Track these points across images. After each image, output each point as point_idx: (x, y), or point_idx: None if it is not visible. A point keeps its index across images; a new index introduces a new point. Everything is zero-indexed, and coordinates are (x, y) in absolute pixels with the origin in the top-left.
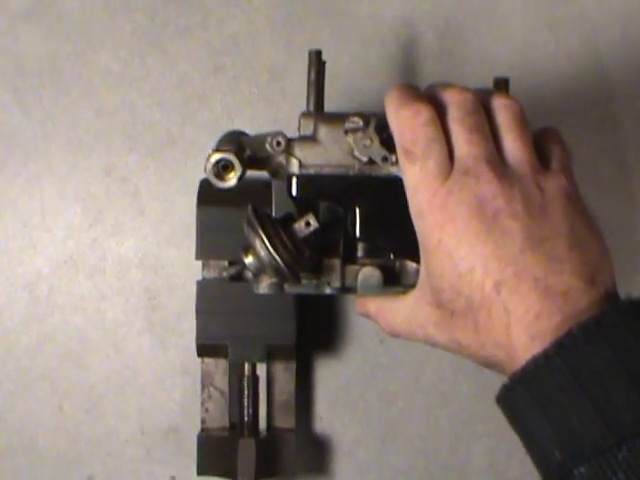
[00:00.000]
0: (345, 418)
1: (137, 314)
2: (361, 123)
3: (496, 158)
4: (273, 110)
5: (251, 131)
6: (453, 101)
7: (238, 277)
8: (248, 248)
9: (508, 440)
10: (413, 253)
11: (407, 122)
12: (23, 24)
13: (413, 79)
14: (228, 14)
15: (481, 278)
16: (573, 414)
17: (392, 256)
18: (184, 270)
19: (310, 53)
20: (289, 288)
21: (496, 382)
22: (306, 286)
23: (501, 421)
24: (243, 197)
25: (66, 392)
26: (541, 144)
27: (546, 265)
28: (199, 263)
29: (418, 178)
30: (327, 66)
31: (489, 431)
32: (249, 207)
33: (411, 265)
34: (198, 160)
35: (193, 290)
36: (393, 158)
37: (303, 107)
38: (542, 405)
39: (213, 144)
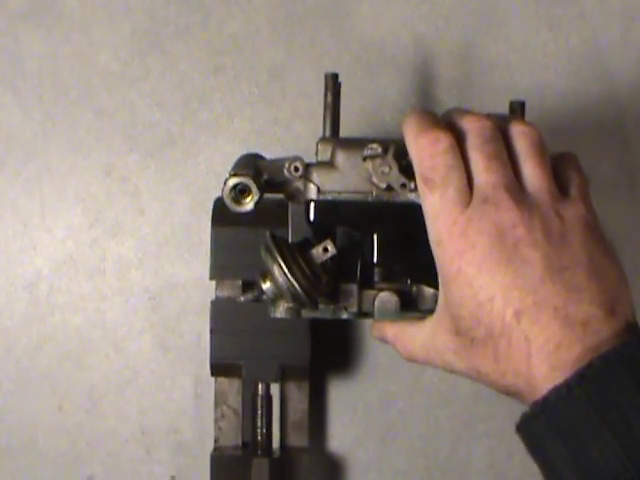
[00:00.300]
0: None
1: (137, 314)
2: (380, 150)
3: (515, 186)
4: (273, 110)
5: (251, 132)
6: (472, 128)
7: (255, 301)
8: (266, 274)
9: (508, 440)
10: (430, 278)
11: (426, 149)
12: (23, 24)
13: (413, 79)
14: (228, 14)
15: (501, 307)
16: (594, 445)
17: (409, 281)
18: (184, 270)
19: (326, 77)
20: (306, 313)
21: None
22: (323, 311)
23: (501, 421)
24: (257, 216)
25: (66, 392)
26: (559, 171)
27: (566, 294)
28: (199, 263)
29: (438, 206)
30: (327, 66)
31: (489, 431)
32: (267, 233)
33: (428, 290)
34: (198, 160)
35: (193, 290)
36: (412, 185)
37: (303, 107)
38: (563, 435)
39: (213, 143)
